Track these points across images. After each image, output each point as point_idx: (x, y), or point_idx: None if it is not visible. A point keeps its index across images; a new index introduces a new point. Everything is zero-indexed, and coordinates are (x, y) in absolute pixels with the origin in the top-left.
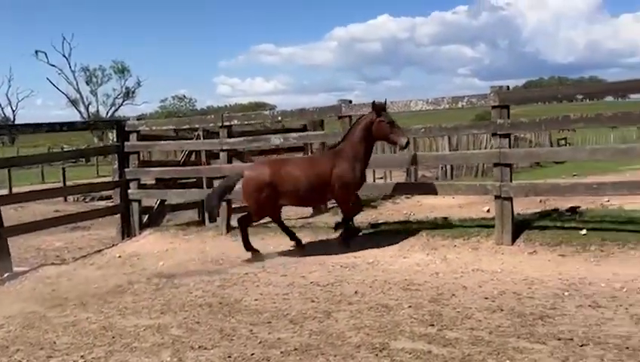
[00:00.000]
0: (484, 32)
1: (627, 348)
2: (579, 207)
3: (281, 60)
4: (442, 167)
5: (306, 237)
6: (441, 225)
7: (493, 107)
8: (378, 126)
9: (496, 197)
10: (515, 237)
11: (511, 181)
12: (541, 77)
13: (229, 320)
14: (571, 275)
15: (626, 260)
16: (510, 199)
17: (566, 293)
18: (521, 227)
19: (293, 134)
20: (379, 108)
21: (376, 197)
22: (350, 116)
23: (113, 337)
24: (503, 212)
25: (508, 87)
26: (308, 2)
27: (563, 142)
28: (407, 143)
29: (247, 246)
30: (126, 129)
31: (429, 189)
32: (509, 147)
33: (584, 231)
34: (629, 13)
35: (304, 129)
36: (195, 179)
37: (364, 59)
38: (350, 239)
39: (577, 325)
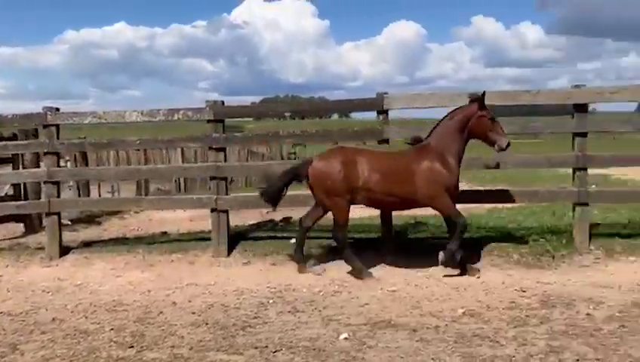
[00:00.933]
0: (223, 48)
1: (314, 349)
2: (291, 217)
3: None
4: (176, 180)
5: (4, 260)
6: (160, 240)
7: (209, 121)
8: (479, 121)
9: (213, 210)
10: (231, 248)
11: (227, 194)
12: (277, 94)
13: None
14: (279, 283)
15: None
16: (226, 212)
17: (271, 301)
18: (237, 238)
19: None
20: (482, 101)
21: (100, 213)
22: (58, 125)
23: None
24: (220, 224)
25: (222, 102)
26: (34, 1)
27: (293, 155)
28: (508, 145)
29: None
30: None
31: (147, 204)
32: (224, 161)
33: (294, 240)
34: (351, 42)
35: (14, 138)
36: None
37: (100, 66)
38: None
39: (275, 332)
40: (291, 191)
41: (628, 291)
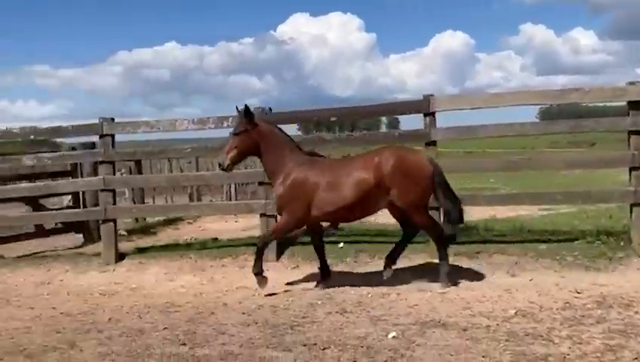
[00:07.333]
0: (270, 65)
1: (362, 346)
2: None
3: (59, 83)
4: (227, 192)
5: (64, 266)
6: (211, 246)
7: None
8: None
9: (262, 215)
10: (280, 253)
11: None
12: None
13: None
14: (327, 284)
15: (376, 268)
16: (275, 216)
17: (319, 302)
18: (286, 244)
19: (47, 154)
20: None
21: (155, 223)
22: (113, 135)
23: None
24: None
25: (270, 108)
26: (88, 24)
27: None
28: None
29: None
30: None
31: (196, 211)
32: None
33: (341, 245)
34: (397, 54)
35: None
36: None
37: (152, 86)
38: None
39: (323, 330)
40: None
41: None
